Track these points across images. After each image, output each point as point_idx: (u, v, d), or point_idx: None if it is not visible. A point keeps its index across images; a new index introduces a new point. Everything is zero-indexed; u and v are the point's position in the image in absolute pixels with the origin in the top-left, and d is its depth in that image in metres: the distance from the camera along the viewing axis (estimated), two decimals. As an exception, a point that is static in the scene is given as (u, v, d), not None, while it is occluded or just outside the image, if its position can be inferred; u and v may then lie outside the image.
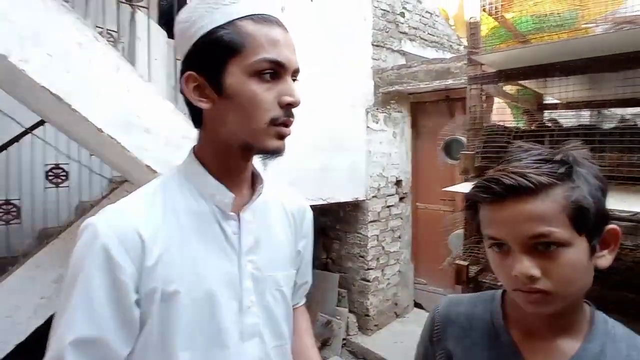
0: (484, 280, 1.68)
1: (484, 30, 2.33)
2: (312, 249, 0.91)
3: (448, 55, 4.67)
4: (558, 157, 0.63)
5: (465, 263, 1.65)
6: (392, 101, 4.09)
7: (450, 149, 3.63)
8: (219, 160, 0.71)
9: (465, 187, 1.55)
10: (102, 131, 1.96)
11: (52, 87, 1.81)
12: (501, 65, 1.66)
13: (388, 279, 4.16)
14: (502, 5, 2.02)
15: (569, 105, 2.61)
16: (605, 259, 0.65)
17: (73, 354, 0.59)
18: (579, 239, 0.61)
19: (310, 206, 0.90)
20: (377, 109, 3.96)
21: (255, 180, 0.77)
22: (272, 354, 0.74)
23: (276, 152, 0.68)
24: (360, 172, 3.81)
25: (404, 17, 4.36)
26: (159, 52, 2.87)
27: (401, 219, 4.29)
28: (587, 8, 1.95)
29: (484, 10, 1.79)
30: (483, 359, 0.71)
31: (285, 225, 0.81)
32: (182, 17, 0.68)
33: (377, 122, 3.93)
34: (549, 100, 2.67)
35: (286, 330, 0.78)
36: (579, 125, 1.76)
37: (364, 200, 3.88)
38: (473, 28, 1.71)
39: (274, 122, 0.66)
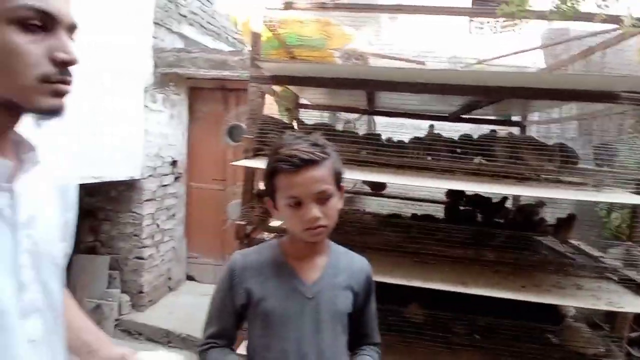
0: (255, 237, 2.19)
1: (264, 38, 2.87)
2: (76, 221, 0.85)
3: (224, 46, 5.07)
4: (320, 142, 0.98)
5: (244, 223, 2.12)
6: (170, 83, 4.20)
7: (232, 133, 4.28)
8: None
9: (249, 163, 2.02)
10: None
11: None
12: (276, 71, 2.20)
13: (162, 255, 4.28)
14: (278, 22, 2.60)
15: (316, 107, 3.50)
16: (340, 203, 1.03)
17: None
18: (337, 192, 0.99)
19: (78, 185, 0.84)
20: (156, 89, 3.99)
21: (20, 147, 0.68)
22: (51, 329, 0.70)
23: (53, 112, 0.62)
24: (136, 152, 3.77)
25: (185, -1, 4.44)
26: None
27: (176, 197, 4.47)
28: (330, 38, 2.77)
29: (265, 24, 2.30)
30: (274, 284, 0.99)
31: (55, 197, 0.75)
32: None
33: (155, 102, 3.96)
34: (303, 101, 3.49)
35: (61, 305, 0.75)
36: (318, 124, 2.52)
37: (139, 179, 3.87)
38: (256, 38, 2.18)
39: (46, 80, 0.59)
